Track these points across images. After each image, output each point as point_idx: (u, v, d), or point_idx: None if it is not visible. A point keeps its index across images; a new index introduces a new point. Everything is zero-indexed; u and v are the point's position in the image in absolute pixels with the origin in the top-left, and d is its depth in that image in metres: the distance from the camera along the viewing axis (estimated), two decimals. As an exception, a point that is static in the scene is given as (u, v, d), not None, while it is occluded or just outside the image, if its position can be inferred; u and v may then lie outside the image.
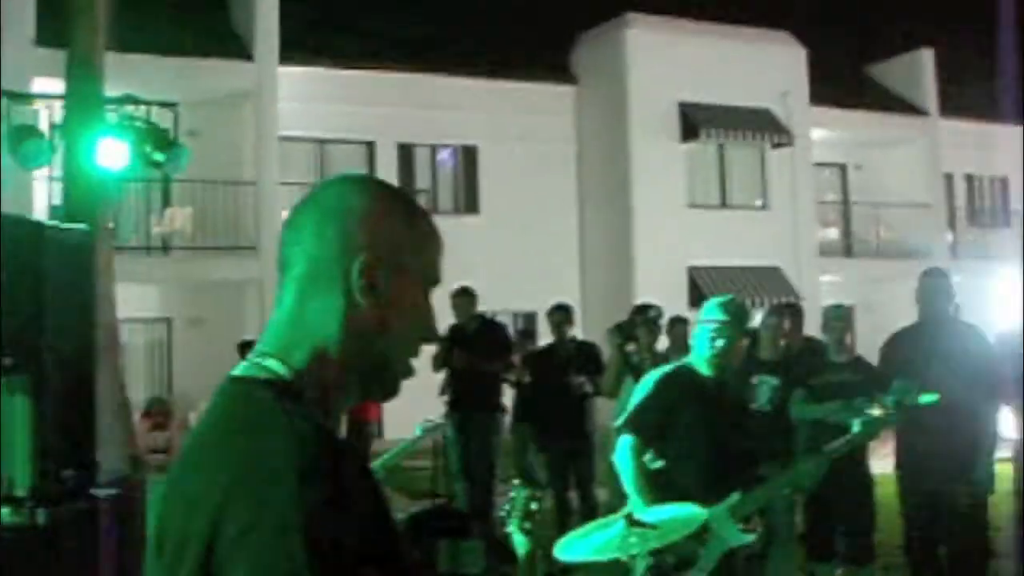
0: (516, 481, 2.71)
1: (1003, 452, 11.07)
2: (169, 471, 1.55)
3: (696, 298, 21.55)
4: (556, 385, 9.74)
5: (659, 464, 4.78)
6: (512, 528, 2.42)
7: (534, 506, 2.53)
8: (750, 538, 4.68)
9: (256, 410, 1.50)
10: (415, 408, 7.89)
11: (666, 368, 5.09)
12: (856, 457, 7.61)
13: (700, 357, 4.90)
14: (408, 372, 1.68)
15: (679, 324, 10.04)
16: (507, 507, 2.58)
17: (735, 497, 4.60)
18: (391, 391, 1.67)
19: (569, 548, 3.75)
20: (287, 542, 1.34)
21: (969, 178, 29.71)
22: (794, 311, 9.06)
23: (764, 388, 7.61)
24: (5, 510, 4.96)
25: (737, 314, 4.89)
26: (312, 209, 1.63)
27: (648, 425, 4.80)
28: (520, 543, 2.40)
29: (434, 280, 1.69)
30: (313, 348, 1.58)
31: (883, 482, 7.63)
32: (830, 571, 7.86)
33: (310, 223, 1.62)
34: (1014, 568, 8.04)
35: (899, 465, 7.10)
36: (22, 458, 4.98)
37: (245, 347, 16.33)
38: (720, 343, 4.82)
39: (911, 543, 7.17)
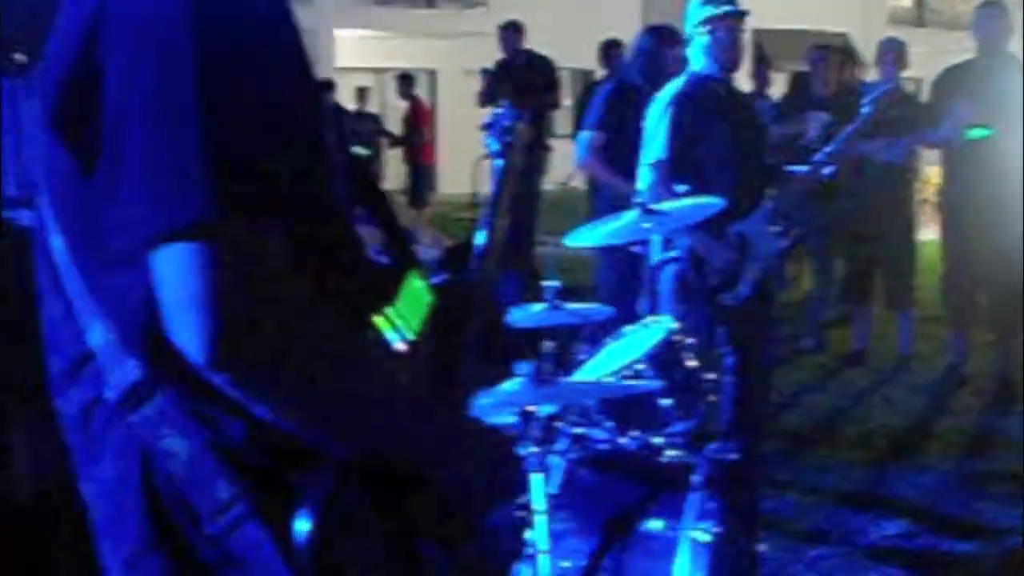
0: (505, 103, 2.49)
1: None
2: None
3: (760, 62, 20.99)
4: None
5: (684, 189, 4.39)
6: (490, 140, 2.26)
7: (520, 125, 2.35)
8: (785, 243, 4.53)
9: None
10: (468, 159, 7.71)
11: (677, 85, 4.57)
12: (901, 196, 7.52)
13: (710, 60, 4.50)
14: None
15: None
16: (488, 120, 2.37)
17: (768, 204, 4.47)
18: None
19: (579, 237, 3.54)
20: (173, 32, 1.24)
21: (1058, -50, 28.38)
22: (843, 50, 8.83)
23: (815, 123, 7.47)
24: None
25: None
26: None
27: (678, 158, 4.42)
28: (492, 145, 2.22)
29: None
30: None
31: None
32: (867, 314, 7.84)
33: None
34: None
35: (942, 206, 6.96)
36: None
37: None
38: (731, 37, 4.46)
39: (950, 287, 7.05)
